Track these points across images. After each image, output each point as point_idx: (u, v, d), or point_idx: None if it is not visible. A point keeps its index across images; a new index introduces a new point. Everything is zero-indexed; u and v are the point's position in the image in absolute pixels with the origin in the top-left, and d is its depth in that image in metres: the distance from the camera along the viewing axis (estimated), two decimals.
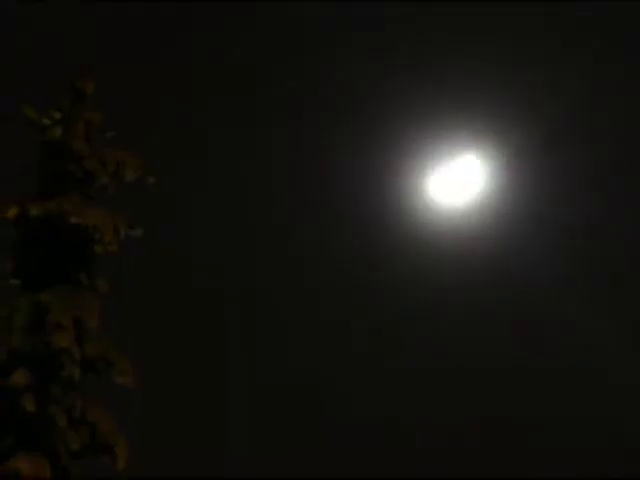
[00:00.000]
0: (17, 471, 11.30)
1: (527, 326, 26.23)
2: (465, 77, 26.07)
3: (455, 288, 25.80)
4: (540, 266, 25.42)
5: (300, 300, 26.62)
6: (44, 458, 11.63)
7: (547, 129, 26.39)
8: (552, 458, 22.90)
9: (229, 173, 27.34)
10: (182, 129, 26.52)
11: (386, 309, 26.41)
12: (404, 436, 23.56)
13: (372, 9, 24.19)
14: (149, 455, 12.85)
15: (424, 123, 25.64)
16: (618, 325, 25.68)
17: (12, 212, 12.53)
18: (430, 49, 26.73)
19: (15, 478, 11.30)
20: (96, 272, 12.89)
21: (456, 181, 24.74)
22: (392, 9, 24.19)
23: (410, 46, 26.67)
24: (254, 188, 27.55)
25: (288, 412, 23.62)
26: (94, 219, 12.57)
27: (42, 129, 13.25)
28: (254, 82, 27.63)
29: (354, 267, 27.17)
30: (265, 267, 27.16)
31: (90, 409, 12.10)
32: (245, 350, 24.94)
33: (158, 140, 23.23)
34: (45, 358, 11.99)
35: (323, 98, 27.23)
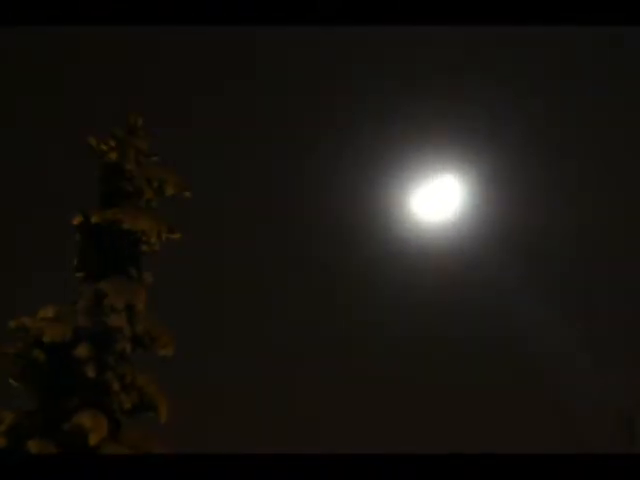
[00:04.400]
0: (80, 425, 12.61)
1: (501, 341, 26.16)
2: (449, 99, 26.49)
3: (434, 297, 25.77)
4: (512, 279, 25.41)
5: (285, 310, 26.68)
6: (102, 415, 12.87)
7: (521, 148, 26.72)
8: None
9: (230, 179, 27.68)
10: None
11: (369, 318, 26.34)
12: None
13: (367, 34, 24.62)
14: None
15: (408, 143, 26.28)
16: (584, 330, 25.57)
17: (77, 219, 14.27)
18: (415, 71, 27.20)
19: (78, 430, 12.81)
20: (143, 267, 14.51)
21: (436, 198, 25.95)
22: (382, 34, 24.66)
23: (396, 69, 27.20)
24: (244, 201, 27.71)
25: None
26: (142, 225, 14.07)
27: (101, 154, 14.87)
28: (253, 93, 27.98)
29: (337, 278, 27.07)
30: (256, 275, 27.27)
31: (139, 376, 13.67)
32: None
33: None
34: (103, 335, 13.29)
35: (313, 116, 27.44)
